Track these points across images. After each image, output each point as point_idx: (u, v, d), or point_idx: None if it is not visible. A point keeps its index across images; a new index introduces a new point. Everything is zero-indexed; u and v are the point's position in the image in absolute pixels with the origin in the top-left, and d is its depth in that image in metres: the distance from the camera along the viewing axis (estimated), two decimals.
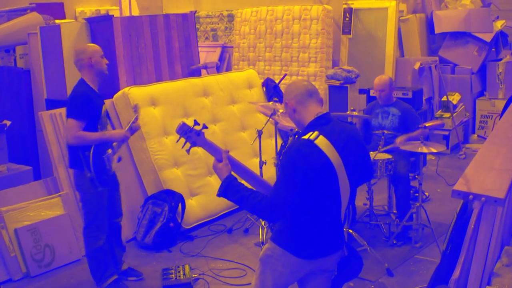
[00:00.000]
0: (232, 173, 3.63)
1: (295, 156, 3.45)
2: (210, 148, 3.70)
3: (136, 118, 5.71)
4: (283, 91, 8.55)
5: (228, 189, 3.54)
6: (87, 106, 5.22)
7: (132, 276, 5.97)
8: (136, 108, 5.82)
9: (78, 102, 5.21)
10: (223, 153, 3.66)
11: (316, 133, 3.50)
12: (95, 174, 5.24)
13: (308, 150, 3.44)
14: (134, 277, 5.97)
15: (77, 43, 7.29)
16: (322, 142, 3.46)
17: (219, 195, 3.59)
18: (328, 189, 3.52)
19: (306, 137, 3.52)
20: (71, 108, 5.22)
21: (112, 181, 5.56)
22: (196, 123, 3.70)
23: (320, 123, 3.60)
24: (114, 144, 5.44)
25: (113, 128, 5.71)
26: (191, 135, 3.67)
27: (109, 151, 5.36)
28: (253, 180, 3.72)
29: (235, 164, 3.69)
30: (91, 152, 5.20)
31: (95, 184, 5.29)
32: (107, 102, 7.02)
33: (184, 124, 3.68)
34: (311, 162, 3.42)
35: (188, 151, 3.73)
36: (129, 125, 5.61)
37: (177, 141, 3.74)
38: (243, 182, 3.62)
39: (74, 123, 5.17)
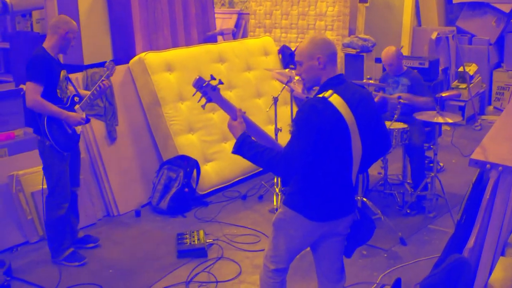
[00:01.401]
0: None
1: (309, 112, 3.44)
2: (225, 105, 3.70)
3: (108, 76, 5.59)
4: None
5: (242, 146, 3.55)
6: (45, 70, 5.19)
7: (89, 242, 5.97)
8: (109, 66, 5.64)
9: (36, 66, 5.18)
10: (238, 112, 3.67)
11: (330, 91, 3.50)
12: (52, 140, 5.24)
13: (322, 106, 3.44)
14: (92, 243, 5.96)
15: (94, 8, 7.28)
16: (336, 100, 3.46)
17: (234, 152, 3.60)
18: (340, 148, 3.52)
19: (320, 95, 3.52)
20: (29, 72, 5.19)
21: (70, 143, 5.50)
22: (212, 77, 3.69)
23: (334, 83, 3.59)
24: (77, 107, 5.42)
25: (76, 91, 5.56)
26: (207, 89, 3.66)
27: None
28: (266, 141, 3.72)
29: (249, 125, 3.69)
30: (45, 119, 5.21)
31: (55, 150, 5.28)
32: (123, 67, 7.06)
33: (200, 78, 3.66)
34: (324, 118, 3.41)
35: (203, 106, 3.71)
36: (98, 83, 5.50)
37: (193, 94, 3.74)
38: None
39: (32, 86, 5.15)
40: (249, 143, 3.54)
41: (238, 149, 3.57)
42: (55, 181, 5.42)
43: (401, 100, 6.42)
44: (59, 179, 5.41)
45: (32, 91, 5.14)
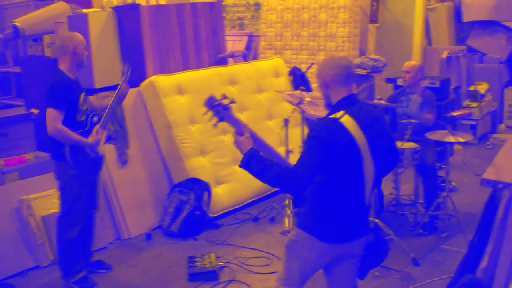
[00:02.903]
0: None
1: (320, 132, 3.45)
2: (237, 124, 3.68)
3: (123, 83, 5.56)
4: (310, 80, 8.55)
5: (250, 160, 3.51)
6: (66, 95, 5.14)
7: (102, 269, 5.94)
8: (124, 72, 5.62)
9: (57, 91, 5.12)
10: (244, 128, 3.65)
11: (342, 112, 3.49)
12: (74, 164, 5.21)
13: (333, 127, 3.44)
14: (104, 270, 5.94)
15: (105, 32, 7.32)
16: (347, 121, 3.45)
17: (241, 165, 3.56)
18: (352, 169, 3.51)
19: (332, 116, 3.51)
20: (50, 97, 5.12)
21: (94, 167, 5.50)
22: (224, 96, 3.68)
23: (346, 104, 3.58)
24: (97, 127, 5.34)
25: (95, 112, 5.48)
26: (219, 108, 3.64)
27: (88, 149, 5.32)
28: (274, 157, 3.71)
29: (257, 140, 3.67)
30: (68, 148, 5.18)
31: (79, 176, 5.28)
32: (134, 90, 7.08)
33: (212, 97, 3.65)
34: (334, 139, 3.41)
35: (215, 125, 3.70)
36: (117, 92, 5.48)
37: (204, 113, 3.69)
38: None
39: (53, 113, 5.08)
40: (257, 158, 3.51)
41: (245, 164, 3.53)
42: (73, 204, 5.40)
43: (412, 121, 6.42)
44: (77, 202, 5.40)
45: (53, 119, 5.08)
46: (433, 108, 6.80)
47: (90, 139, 5.28)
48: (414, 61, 7.03)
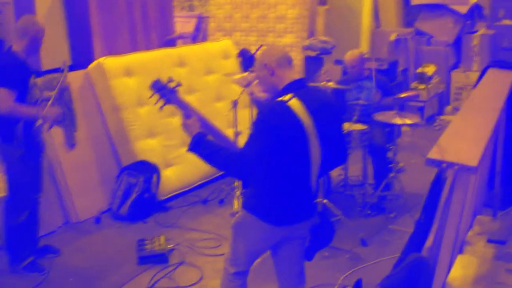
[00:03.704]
0: None
1: (267, 115, 3.44)
2: (184, 107, 3.66)
3: (65, 78, 5.47)
4: None
5: (198, 144, 3.49)
6: (17, 76, 5.08)
7: (50, 253, 5.87)
8: (63, 66, 5.53)
9: (8, 71, 5.06)
10: (192, 111, 3.63)
11: (290, 95, 3.49)
12: (23, 144, 5.15)
13: (280, 110, 3.43)
14: (52, 254, 5.87)
15: (52, 13, 7.21)
16: (295, 104, 3.44)
17: (189, 149, 3.53)
18: (298, 152, 3.51)
19: (279, 99, 3.51)
20: (1, 77, 5.04)
21: (39, 152, 5.45)
22: (170, 80, 3.65)
23: (294, 87, 3.58)
24: (48, 104, 5.23)
25: (43, 97, 5.46)
26: (165, 91, 3.62)
27: (40, 121, 5.20)
28: (222, 140, 3.70)
29: (204, 123, 3.65)
30: (21, 125, 5.11)
31: (27, 157, 5.21)
32: (81, 72, 6.99)
33: (158, 80, 3.62)
34: (281, 122, 3.40)
35: (161, 108, 3.67)
36: (58, 86, 5.37)
37: (150, 97, 3.66)
38: None
39: (5, 92, 4.99)
40: (204, 141, 3.49)
41: (193, 148, 3.51)
42: (20, 188, 5.32)
43: (360, 102, 6.47)
44: (25, 185, 5.33)
45: (5, 98, 4.99)
46: (387, 89, 6.88)
47: (44, 111, 5.18)
48: (354, 52, 7.01)
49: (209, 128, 3.68)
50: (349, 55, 6.95)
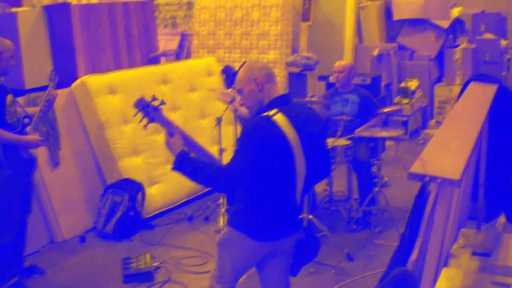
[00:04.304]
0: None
1: (252, 131, 3.46)
2: (168, 125, 3.67)
3: (52, 87, 5.42)
4: None
5: (182, 162, 3.51)
6: None
7: (34, 273, 5.83)
8: (51, 76, 5.47)
9: None
10: (175, 129, 3.64)
11: (275, 110, 3.50)
12: (8, 165, 5.10)
13: (266, 125, 3.44)
14: (37, 274, 5.83)
15: (35, 32, 7.19)
16: (280, 119, 3.46)
17: (173, 168, 3.56)
18: (283, 167, 3.52)
19: (265, 114, 3.52)
20: None
21: (27, 169, 5.41)
22: (154, 98, 3.66)
23: (279, 103, 3.60)
24: (28, 128, 5.23)
25: (25, 112, 5.41)
26: (149, 110, 3.62)
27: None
28: (206, 157, 3.72)
29: (188, 141, 3.67)
30: (1, 149, 5.07)
31: (12, 179, 5.17)
32: (65, 91, 6.98)
33: (142, 99, 3.63)
34: (267, 137, 3.42)
35: (145, 126, 3.68)
36: (44, 98, 5.34)
37: (134, 115, 3.68)
38: None
39: None
40: (188, 159, 3.52)
41: (177, 166, 3.53)
42: (7, 208, 5.26)
43: (344, 117, 6.49)
44: (10, 207, 5.28)
45: None
46: (376, 106, 6.91)
47: (28, 139, 5.17)
48: (345, 61, 7.12)
49: (192, 145, 3.69)
50: (339, 62, 7.05)
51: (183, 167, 3.51)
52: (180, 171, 3.53)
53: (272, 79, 3.68)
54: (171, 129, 3.64)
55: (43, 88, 5.66)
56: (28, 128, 5.24)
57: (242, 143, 3.48)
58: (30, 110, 5.53)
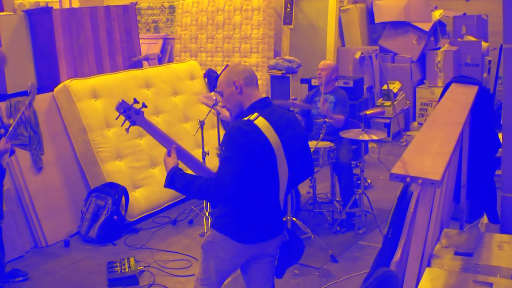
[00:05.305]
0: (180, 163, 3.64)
1: (235, 136, 3.47)
2: (149, 128, 3.70)
3: (30, 103, 5.34)
4: None
5: (173, 178, 3.54)
6: None
7: (18, 276, 5.79)
8: (31, 90, 5.39)
9: None
10: (172, 148, 3.67)
11: (256, 114, 3.53)
12: None
13: (248, 130, 3.46)
14: (21, 277, 5.80)
15: (16, 36, 7.18)
16: (261, 123, 3.49)
17: (166, 186, 3.60)
18: (266, 170, 3.54)
19: (246, 118, 3.54)
20: None
21: (1, 179, 5.39)
22: (135, 101, 3.67)
23: (260, 106, 3.62)
24: (2, 140, 5.12)
25: (0, 121, 5.45)
26: (131, 113, 3.64)
27: None
28: (198, 168, 3.73)
29: (182, 153, 3.69)
30: None
31: None
32: (47, 95, 6.97)
33: (123, 102, 3.64)
34: (249, 141, 3.44)
35: (127, 130, 3.69)
36: (17, 118, 5.25)
37: (116, 118, 3.70)
38: (189, 171, 3.62)
39: None
40: (179, 175, 3.54)
41: (169, 183, 3.57)
42: None
43: (327, 120, 6.52)
44: None
45: None
46: (346, 108, 6.91)
47: None
48: (330, 60, 7.15)
49: (186, 157, 3.71)
50: (324, 61, 7.09)
51: (174, 183, 3.55)
52: (172, 187, 3.57)
53: (253, 83, 3.69)
54: (154, 134, 3.68)
55: (25, 93, 5.62)
56: (2, 140, 5.13)
57: (227, 150, 3.48)
58: (7, 121, 5.51)
